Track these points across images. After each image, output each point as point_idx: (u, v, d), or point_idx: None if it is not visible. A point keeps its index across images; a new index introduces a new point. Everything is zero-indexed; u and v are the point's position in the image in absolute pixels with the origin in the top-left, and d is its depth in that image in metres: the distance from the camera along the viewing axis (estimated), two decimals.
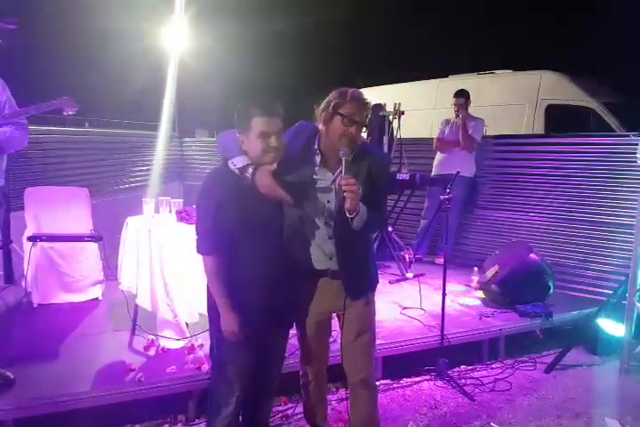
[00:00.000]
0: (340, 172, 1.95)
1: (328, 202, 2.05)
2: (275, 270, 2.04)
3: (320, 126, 2.04)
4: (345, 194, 1.88)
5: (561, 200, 4.68)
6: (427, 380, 3.25)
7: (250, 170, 1.95)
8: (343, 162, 1.93)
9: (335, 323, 2.30)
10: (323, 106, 2.01)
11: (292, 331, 2.28)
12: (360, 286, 2.16)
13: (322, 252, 2.08)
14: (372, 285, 2.23)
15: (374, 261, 2.31)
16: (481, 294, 4.27)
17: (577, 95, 6.81)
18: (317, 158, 2.06)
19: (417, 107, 7.57)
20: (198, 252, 2.02)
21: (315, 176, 2.05)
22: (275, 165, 1.97)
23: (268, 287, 2.04)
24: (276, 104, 1.97)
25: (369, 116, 2.06)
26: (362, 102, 2.00)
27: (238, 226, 1.96)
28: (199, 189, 2.02)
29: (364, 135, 5.27)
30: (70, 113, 2.97)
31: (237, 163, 1.98)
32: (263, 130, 1.91)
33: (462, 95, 5.15)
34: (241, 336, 2.00)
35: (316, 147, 2.07)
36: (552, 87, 7.04)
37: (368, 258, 2.23)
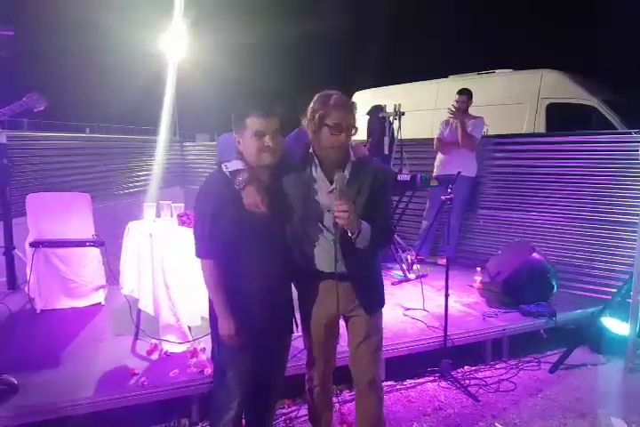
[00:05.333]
0: (335, 189, 1.92)
1: (328, 211, 2.02)
2: (274, 273, 2.04)
3: (310, 136, 2.02)
4: (336, 220, 1.89)
5: (563, 199, 4.66)
6: (430, 381, 3.24)
7: (240, 177, 1.94)
8: (337, 187, 1.90)
9: (341, 325, 2.29)
10: (308, 116, 1.98)
11: (296, 334, 2.28)
12: (371, 296, 2.15)
13: (328, 254, 2.06)
14: (381, 303, 2.23)
15: (378, 263, 2.28)
16: (484, 294, 4.26)
17: (578, 93, 6.80)
18: (315, 168, 2.05)
19: (417, 107, 7.57)
20: (197, 255, 2.02)
21: (314, 183, 2.04)
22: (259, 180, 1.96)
23: (268, 290, 2.04)
24: (272, 104, 1.97)
25: (355, 117, 2.00)
26: (346, 107, 1.95)
27: (236, 229, 1.96)
28: (197, 192, 2.03)
29: (365, 137, 5.29)
30: (40, 109, 2.99)
31: (230, 166, 1.98)
32: (258, 129, 1.92)
33: (466, 93, 5.15)
34: (238, 341, 1.99)
35: (313, 156, 2.05)
36: (553, 86, 7.03)
37: (371, 260, 2.20)
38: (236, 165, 1.98)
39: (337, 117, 1.92)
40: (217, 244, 1.96)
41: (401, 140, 5.19)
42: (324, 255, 2.07)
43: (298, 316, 2.23)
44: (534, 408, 2.94)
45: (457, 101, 5.13)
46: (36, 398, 2.50)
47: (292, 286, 2.21)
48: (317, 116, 1.94)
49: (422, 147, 5.69)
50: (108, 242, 3.95)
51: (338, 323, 2.25)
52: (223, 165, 1.99)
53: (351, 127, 1.97)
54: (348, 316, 2.19)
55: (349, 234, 1.92)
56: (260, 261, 2.01)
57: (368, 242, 1.97)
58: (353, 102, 2.01)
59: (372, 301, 2.17)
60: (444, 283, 3.34)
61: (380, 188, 2.05)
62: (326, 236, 2.05)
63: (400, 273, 4.78)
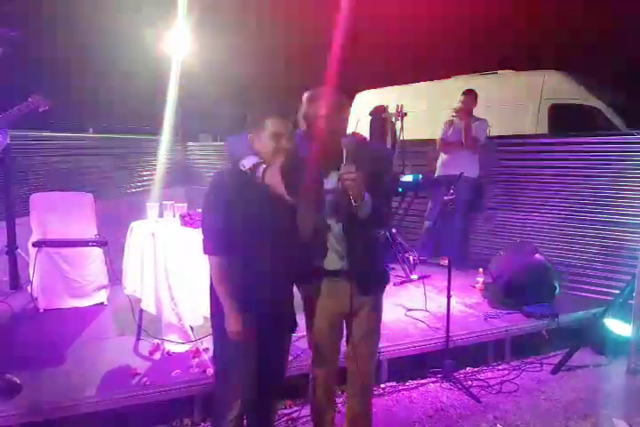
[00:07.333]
0: (345, 156, 1.94)
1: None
2: (277, 271, 2.04)
3: (307, 132, 2.05)
4: (344, 182, 1.89)
5: (565, 200, 4.65)
6: (433, 382, 3.24)
7: (261, 168, 1.96)
8: (344, 152, 1.93)
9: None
10: (302, 114, 2.03)
11: (298, 333, 2.28)
12: (369, 284, 2.17)
13: (335, 252, 2.09)
14: (381, 284, 2.24)
15: (383, 261, 2.31)
16: (486, 294, 4.26)
17: (580, 94, 6.78)
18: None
19: (420, 108, 7.58)
20: (205, 252, 2.02)
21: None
22: (281, 162, 1.96)
23: (273, 287, 2.04)
24: (287, 107, 2.00)
25: (343, 99, 2.05)
26: (331, 95, 2.00)
27: (245, 226, 1.97)
28: (206, 189, 2.03)
29: (367, 135, 5.29)
30: (45, 109, 3.02)
31: (247, 163, 1.99)
32: (276, 131, 1.95)
33: (471, 94, 5.14)
34: (245, 337, 1.99)
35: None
36: (555, 87, 7.01)
37: (377, 257, 2.24)
38: (253, 160, 2.00)
39: (326, 108, 1.97)
40: (225, 240, 1.97)
41: (403, 140, 5.19)
42: (333, 253, 2.09)
43: (298, 315, 2.23)
44: (536, 409, 2.94)
45: (462, 102, 5.12)
46: (38, 397, 2.50)
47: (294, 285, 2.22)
48: (309, 112, 1.99)
49: (425, 148, 5.68)
50: (110, 242, 3.96)
51: (342, 322, 2.26)
52: (240, 165, 2.00)
53: (343, 110, 2.03)
54: (349, 314, 2.20)
55: (353, 202, 1.90)
56: (266, 258, 2.01)
57: (370, 211, 1.97)
58: (335, 89, 2.05)
59: (376, 297, 2.18)
60: (446, 283, 3.34)
61: (378, 168, 2.07)
62: (335, 232, 2.07)
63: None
